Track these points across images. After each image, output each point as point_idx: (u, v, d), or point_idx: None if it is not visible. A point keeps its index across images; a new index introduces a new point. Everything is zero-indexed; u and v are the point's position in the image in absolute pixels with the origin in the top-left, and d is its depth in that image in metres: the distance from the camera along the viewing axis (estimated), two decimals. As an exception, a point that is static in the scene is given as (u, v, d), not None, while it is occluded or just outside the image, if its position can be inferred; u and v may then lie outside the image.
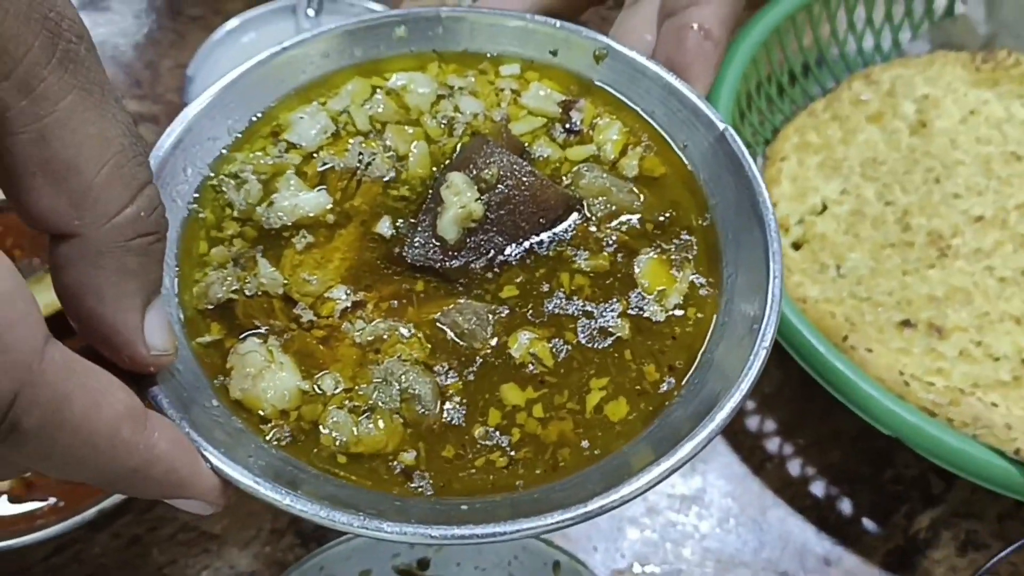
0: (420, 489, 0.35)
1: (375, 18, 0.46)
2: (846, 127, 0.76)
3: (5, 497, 0.56)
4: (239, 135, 0.44)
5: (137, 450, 0.29)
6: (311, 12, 0.79)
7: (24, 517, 0.55)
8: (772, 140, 0.77)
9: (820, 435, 0.66)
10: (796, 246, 0.70)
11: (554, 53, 0.47)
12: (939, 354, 0.62)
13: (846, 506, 0.63)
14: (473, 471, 0.36)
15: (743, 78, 0.73)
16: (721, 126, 0.43)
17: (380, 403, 0.37)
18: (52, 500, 0.56)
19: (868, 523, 0.63)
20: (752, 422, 0.67)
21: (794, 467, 0.65)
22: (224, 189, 0.42)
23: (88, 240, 0.29)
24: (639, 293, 0.40)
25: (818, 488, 0.64)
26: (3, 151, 0.28)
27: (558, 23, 0.46)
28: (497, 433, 0.37)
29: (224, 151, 0.43)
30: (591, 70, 0.46)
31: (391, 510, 0.34)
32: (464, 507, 0.34)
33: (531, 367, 0.38)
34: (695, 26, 0.45)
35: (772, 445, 0.66)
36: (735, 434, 0.66)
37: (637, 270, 0.41)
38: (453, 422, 0.37)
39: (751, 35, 0.74)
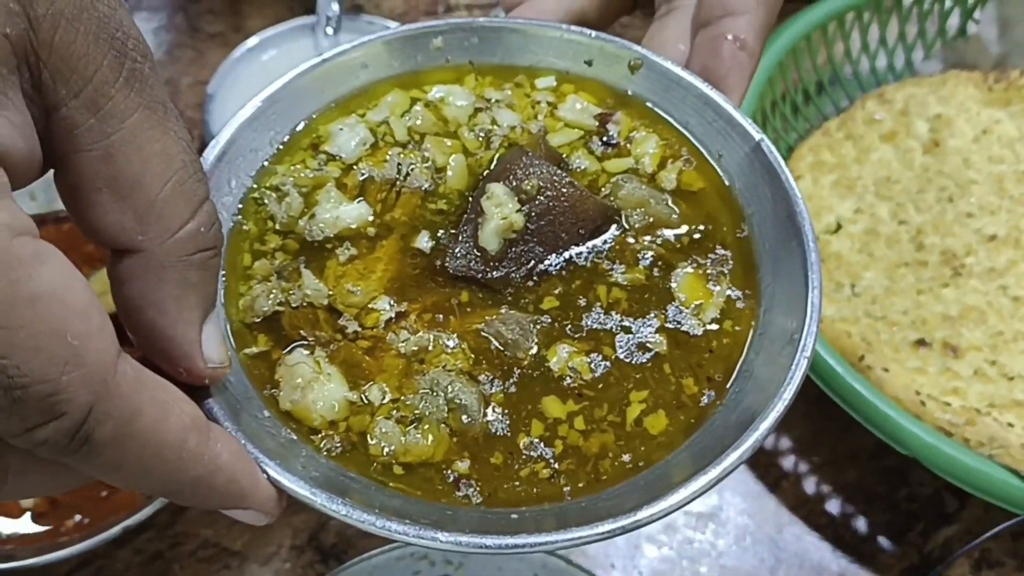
0: (468, 498, 0.35)
1: (413, 28, 0.46)
2: (860, 146, 0.76)
3: (29, 514, 0.57)
4: (280, 147, 0.44)
5: (202, 461, 0.30)
6: (329, 31, 0.80)
7: (48, 534, 0.56)
8: (787, 159, 0.77)
9: (836, 454, 0.67)
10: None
11: (589, 63, 0.47)
12: (954, 373, 0.62)
13: (862, 524, 0.64)
14: (518, 482, 0.36)
15: (759, 97, 0.73)
16: (757, 136, 0.42)
17: (427, 413, 0.37)
18: (77, 518, 0.56)
19: (883, 541, 0.63)
20: (768, 440, 0.67)
21: (810, 485, 0.65)
22: (266, 202, 0.42)
23: (151, 255, 0.30)
24: (677, 307, 0.40)
25: (834, 506, 0.64)
26: (69, 167, 0.29)
27: (593, 33, 0.46)
28: (541, 444, 0.37)
29: (266, 163, 0.44)
30: (626, 80, 0.46)
31: (444, 519, 0.34)
32: (514, 516, 0.35)
33: (569, 380, 0.38)
34: (730, 36, 0.45)
35: (788, 463, 0.66)
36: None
37: (674, 284, 0.41)
38: (497, 432, 0.37)
39: (767, 55, 0.75)
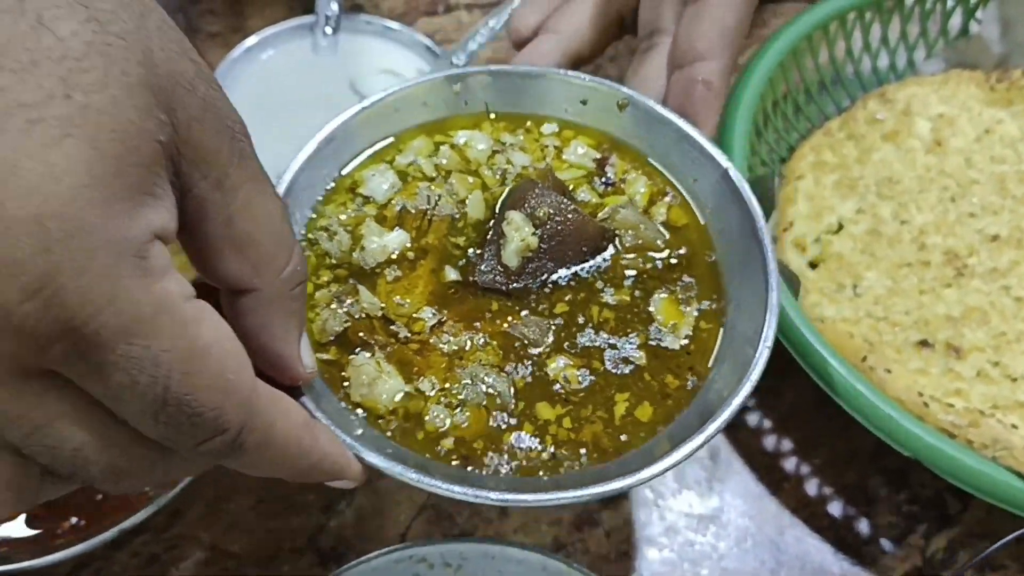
0: (501, 469, 0.45)
1: (436, 76, 0.56)
2: (861, 146, 0.76)
3: (24, 516, 0.56)
4: (328, 189, 0.54)
5: (313, 451, 0.39)
6: (328, 30, 0.80)
7: (44, 536, 0.56)
8: (788, 158, 0.77)
9: (837, 455, 0.66)
10: (813, 265, 0.70)
11: (584, 103, 0.57)
12: (957, 374, 0.62)
13: (863, 526, 0.63)
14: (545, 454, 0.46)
15: (760, 97, 0.73)
16: (725, 164, 0.52)
17: (468, 399, 0.47)
18: (73, 520, 0.56)
19: (885, 543, 0.63)
20: (769, 441, 0.67)
21: (811, 487, 0.65)
22: (320, 242, 0.51)
23: (263, 293, 0.38)
24: (656, 327, 0.50)
25: (835, 508, 0.64)
26: (198, 233, 0.36)
27: (587, 77, 0.56)
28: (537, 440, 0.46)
29: (317, 204, 0.53)
30: (616, 117, 0.56)
31: (488, 484, 0.42)
32: (545, 478, 0.44)
33: (559, 386, 0.47)
34: (700, 79, 0.55)
35: (789, 464, 0.66)
36: (752, 453, 0.66)
37: (652, 308, 0.50)
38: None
39: (768, 55, 0.75)
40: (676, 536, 0.62)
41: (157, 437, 0.33)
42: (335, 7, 0.81)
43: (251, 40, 0.79)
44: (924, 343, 0.63)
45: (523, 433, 0.46)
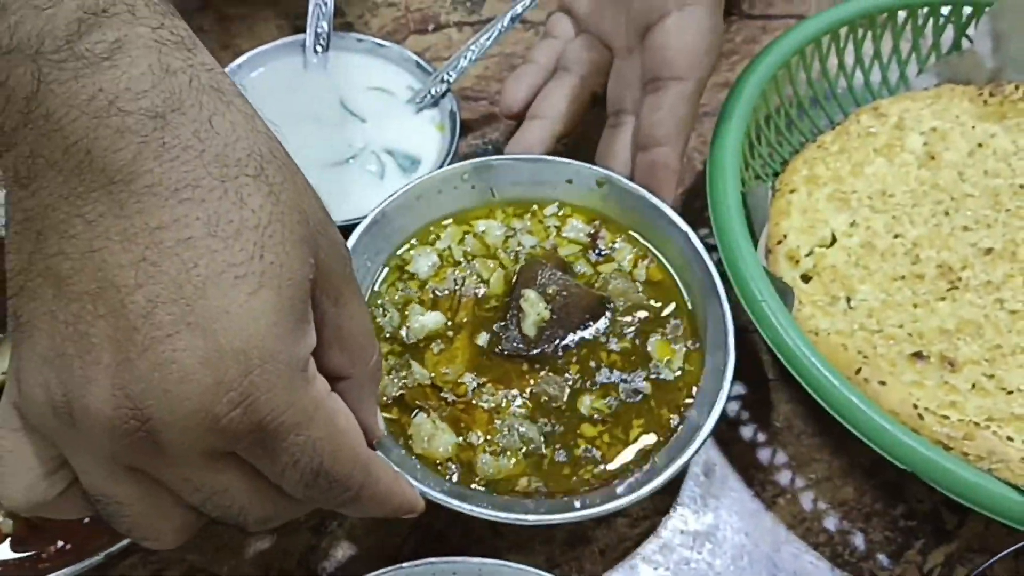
0: (537, 492, 0.57)
1: (447, 171, 0.68)
2: (854, 159, 0.76)
3: (9, 540, 0.56)
4: (381, 268, 0.66)
5: (401, 495, 0.49)
6: (319, 49, 0.80)
7: (30, 560, 0.55)
8: (781, 171, 0.77)
9: (832, 470, 0.66)
10: (806, 278, 0.69)
11: (570, 181, 0.69)
12: (952, 387, 0.61)
13: (860, 541, 0.63)
14: (573, 479, 0.58)
15: (753, 110, 0.73)
16: (685, 230, 0.65)
17: (509, 447, 0.58)
18: (59, 544, 0.55)
19: (882, 559, 0.62)
20: (764, 455, 0.66)
21: (807, 502, 0.64)
22: (377, 318, 0.63)
23: (356, 379, 0.46)
24: (655, 364, 0.62)
25: (831, 523, 0.63)
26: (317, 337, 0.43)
27: (569, 161, 0.68)
28: (591, 448, 0.59)
29: (374, 286, 0.65)
30: (597, 192, 0.68)
31: (529, 509, 0.54)
32: (576, 503, 0.56)
33: (596, 416, 0.60)
34: (660, 161, 0.66)
35: (784, 479, 0.65)
36: (747, 468, 0.65)
37: (650, 348, 0.63)
38: (558, 459, 0.59)
39: (760, 68, 0.75)
40: (671, 554, 0.61)
41: (302, 497, 0.43)
42: (325, 25, 0.81)
43: (241, 59, 0.79)
44: (918, 355, 0.63)
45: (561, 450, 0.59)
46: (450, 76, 0.78)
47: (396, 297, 0.64)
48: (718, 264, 0.64)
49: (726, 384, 0.58)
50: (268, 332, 0.37)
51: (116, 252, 0.36)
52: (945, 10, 0.82)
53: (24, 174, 0.38)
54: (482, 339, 0.62)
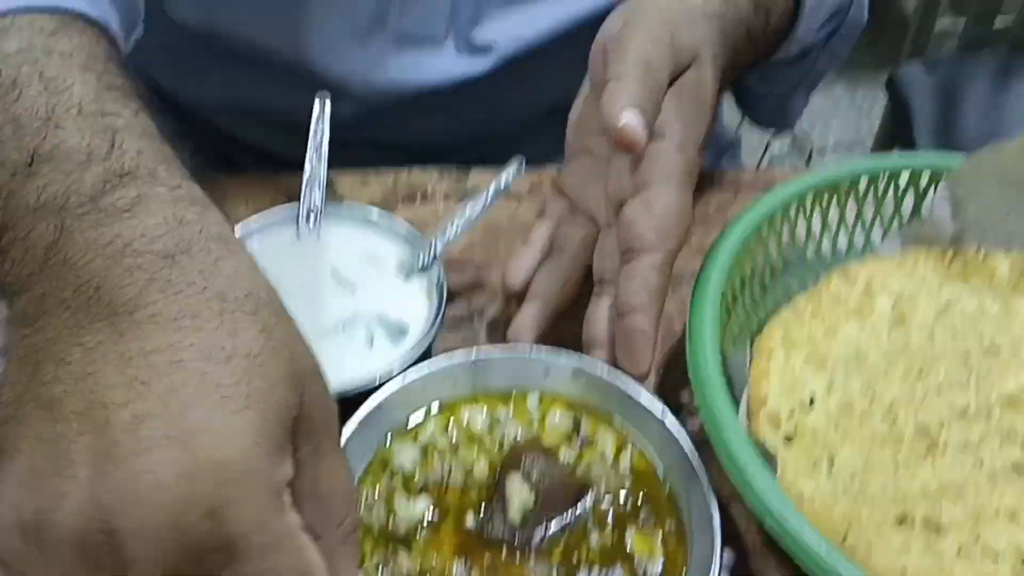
0: None
1: (435, 365, 0.70)
2: (828, 322, 0.78)
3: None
4: (364, 467, 0.66)
5: None
6: (312, 219, 0.83)
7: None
8: (757, 333, 0.79)
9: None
10: (788, 438, 0.70)
11: (546, 373, 0.71)
12: (939, 552, 0.62)
13: None
14: None
15: (728, 276, 0.76)
16: (660, 415, 0.68)
17: None
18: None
19: None
20: (756, 624, 0.66)
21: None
22: (362, 515, 0.62)
23: (326, 542, 0.45)
24: (639, 559, 0.62)
25: None
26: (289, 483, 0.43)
27: (546, 355, 0.71)
28: None
29: (357, 482, 0.64)
30: (574, 382, 0.71)
31: None
32: None
33: None
34: (637, 328, 0.68)
35: (777, 649, 0.65)
36: (739, 637, 0.65)
37: (629, 543, 0.63)
38: None
39: (732, 235, 0.78)
40: None
41: None
42: (318, 197, 0.84)
43: (237, 231, 0.82)
44: (903, 520, 0.64)
45: None
46: (439, 245, 0.81)
47: (379, 490, 0.65)
48: (700, 433, 0.65)
49: (718, 550, 0.59)
50: (249, 450, 0.39)
51: (109, 374, 0.38)
52: (903, 179, 0.87)
53: (32, 313, 0.41)
54: (468, 523, 0.63)
